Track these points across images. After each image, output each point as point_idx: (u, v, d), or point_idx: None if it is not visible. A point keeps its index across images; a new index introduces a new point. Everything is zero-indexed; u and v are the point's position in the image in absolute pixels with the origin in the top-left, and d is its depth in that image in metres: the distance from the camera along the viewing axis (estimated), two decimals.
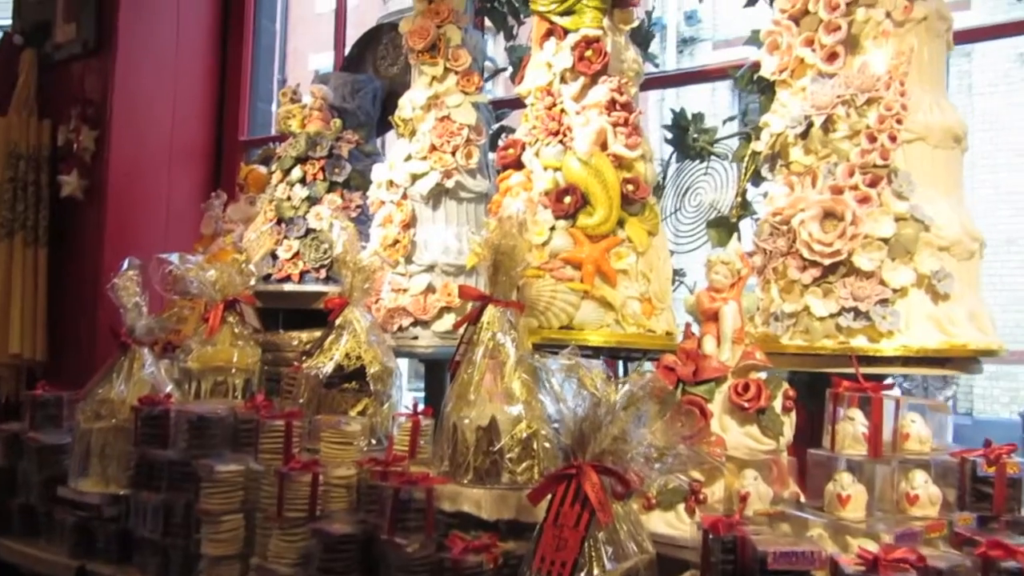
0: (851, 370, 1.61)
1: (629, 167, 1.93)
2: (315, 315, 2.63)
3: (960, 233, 1.62)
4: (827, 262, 1.59)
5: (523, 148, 2.04)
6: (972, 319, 1.61)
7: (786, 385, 1.56)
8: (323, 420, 1.86)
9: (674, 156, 2.31)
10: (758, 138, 2.12)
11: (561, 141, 1.94)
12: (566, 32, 2.01)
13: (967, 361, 1.63)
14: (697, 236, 2.19)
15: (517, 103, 2.85)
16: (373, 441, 1.95)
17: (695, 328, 1.65)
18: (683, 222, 2.24)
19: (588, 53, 1.96)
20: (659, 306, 1.92)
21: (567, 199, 1.88)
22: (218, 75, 3.75)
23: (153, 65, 3.52)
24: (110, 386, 2.10)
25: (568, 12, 2.01)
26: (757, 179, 2.14)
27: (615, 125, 1.94)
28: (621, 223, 1.89)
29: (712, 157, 2.25)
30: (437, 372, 2.47)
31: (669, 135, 2.29)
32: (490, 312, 1.72)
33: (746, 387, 1.52)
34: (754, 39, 2.27)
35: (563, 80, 2.00)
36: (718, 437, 1.51)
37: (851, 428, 1.41)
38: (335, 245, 2.13)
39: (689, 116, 2.26)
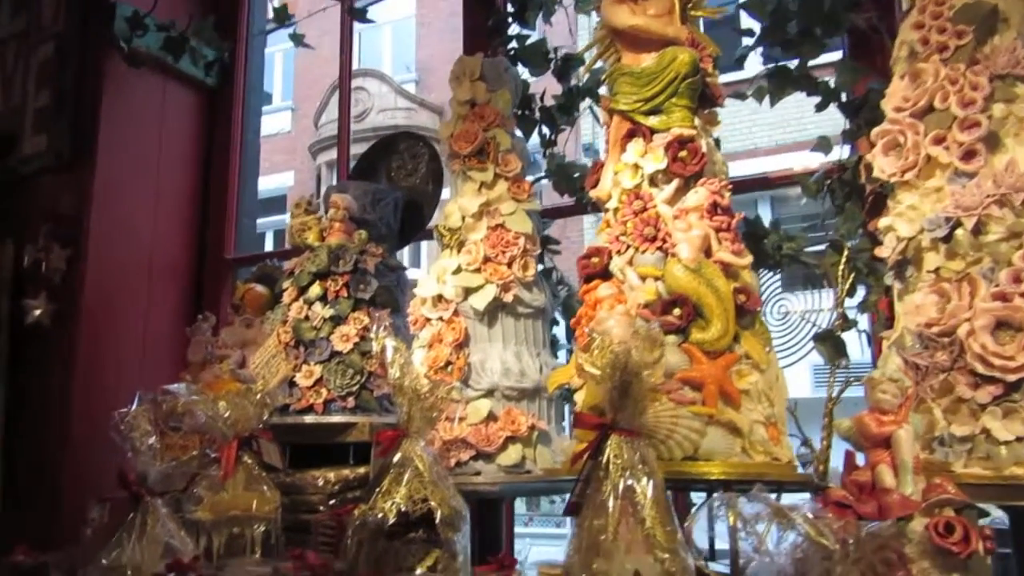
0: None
1: (736, 276, 1.75)
2: (326, 450, 2.32)
3: None
4: (1011, 378, 1.41)
5: (610, 256, 1.84)
6: None
7: (981, 522, 1.34)
8: None
9: None
10: (846, 247, 2.00)
11: (660, 248, 1.76)
12: (652, 132, 1.86)
13: None
14: (791, 350, 2.00)
15: (556, 213, 2.70)
16: None
17: (860, 457, 1.43)
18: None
19: (683, 154, 1.80)
20: (783, 430, 1.70)
21: (676, 311, 1.68)
22: (201, 190, 3.49)
23: (134, 178, 3.24)
24: (121, 550, 1.71)
25: (654, 111, 1.87)
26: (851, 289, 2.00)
27: (718, 230, 1.77)
28: (736, 338, 1.69)
29: (789, 265, 2.10)
30: (491, 511, 2.16)
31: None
32: (614, 443, 1.46)
33: (948, 527, 1.29)
34: (823, 145, 2.18)
35: (653, 183, 1.84)
36: None
37: None
38: (391, 368, 1.85)
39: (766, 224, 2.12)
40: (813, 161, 2.28)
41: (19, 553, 1.89)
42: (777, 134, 10.07)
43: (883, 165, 1.71)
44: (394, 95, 13.19)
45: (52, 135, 3.23)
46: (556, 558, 1.79)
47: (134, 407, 1.90)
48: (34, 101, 3.34)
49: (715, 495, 1.30)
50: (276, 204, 12.00)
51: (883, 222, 1.70)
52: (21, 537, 2.09)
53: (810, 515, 1.11)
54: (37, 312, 2.93)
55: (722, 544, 1.68)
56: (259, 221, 3.73)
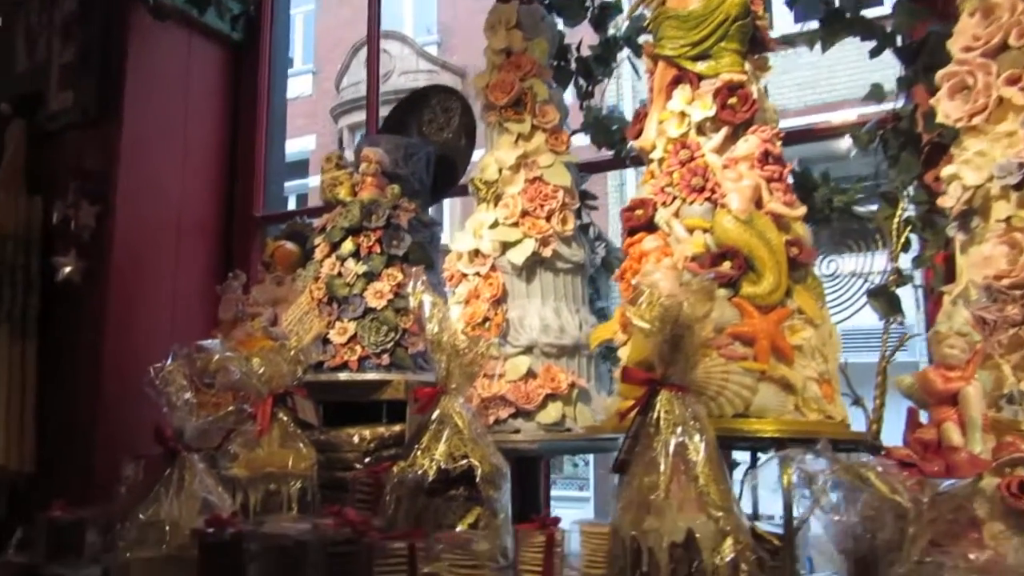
0: None
1: (788, 228, 1.68)
2: (357, 408, 2.28)
3: None
4: None
5: (654, 208, 1.77)
6: None
7: None
8: (447, 538, 1.51)
9: None
10: (901, 199, 1.91)
11: (708, 199, 1.68)
12: (700, 78, 1.78)
13: None
14: (843, 307, 1.93)
15: (593, 167, 2.62)
16: (502, 561, 1.60)
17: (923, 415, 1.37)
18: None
19: (732, 100, 1.72)
20: (836, 388, 1.64)
21: (726, 264, 1.61)
22: (229, 146, 3.43)
23: (160, 134, 3.19)
24: (159, 504, 1.70)
25: (702, 56, 1.78)
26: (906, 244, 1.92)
27: (769, 180, 1.69)
28: (788, 292, 1.62)
29: (839, 219, 2.02)
30: (529, 470, 2.13)
31: None
32: (665, 399, 1.41)
33: (1023, 486, 1.22)
34: (876, 93, 2.08)
35: (700, 131, 1.76)
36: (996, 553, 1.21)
37: None
38: (430, 323, 1.80)
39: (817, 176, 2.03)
40: (849, 118, 2.21)
41: (56, 509, 1.88)
42: (807, 95, 9.81)
43: (948, 110, 1.62)
44: (416, 57, 13.01)
45: (78, 91, 3.18)
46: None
47: (168, 363, 1.87)
48: (59, 57, 3.29)
49: (775, 452, 1.24)
50: (298, 168, 11.93)
51: (947, 170, 1.62)
52: (56, 494, 2.09)
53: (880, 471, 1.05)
54: (67, 269, 2.90)
55: (766, 507, 1.64)
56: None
